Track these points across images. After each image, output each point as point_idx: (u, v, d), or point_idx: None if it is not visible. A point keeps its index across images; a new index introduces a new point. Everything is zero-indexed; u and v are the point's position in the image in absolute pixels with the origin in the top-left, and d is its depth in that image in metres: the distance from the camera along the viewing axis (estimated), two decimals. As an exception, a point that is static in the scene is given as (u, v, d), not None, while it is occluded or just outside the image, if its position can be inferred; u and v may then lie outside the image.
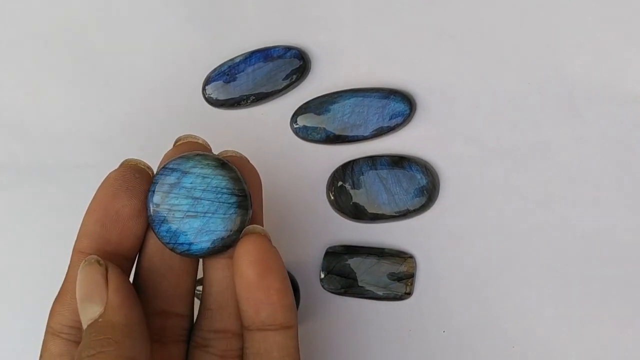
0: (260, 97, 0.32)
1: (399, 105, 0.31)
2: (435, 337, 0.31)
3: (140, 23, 0.33)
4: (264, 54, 0.32)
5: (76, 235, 0.26)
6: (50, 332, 0.25)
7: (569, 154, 0.31)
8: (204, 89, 0.32)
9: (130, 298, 0.25)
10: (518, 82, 0.31)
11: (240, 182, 0.26)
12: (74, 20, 0.34)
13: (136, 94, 0.33)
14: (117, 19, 0.33)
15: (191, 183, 0.26)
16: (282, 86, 0.32)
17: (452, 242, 0.31)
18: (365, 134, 0.31)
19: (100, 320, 0.24)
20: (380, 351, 0.32)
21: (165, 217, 0.26)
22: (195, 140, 0.27)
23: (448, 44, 0.32)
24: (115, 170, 0.26)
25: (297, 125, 0.32)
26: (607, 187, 0.31)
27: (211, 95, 0.32)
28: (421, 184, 0.31)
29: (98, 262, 0.25)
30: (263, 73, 0.32)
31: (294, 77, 0.32)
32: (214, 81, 0.32)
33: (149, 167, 0.26)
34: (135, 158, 0.26)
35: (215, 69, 0.32)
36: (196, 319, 0.27)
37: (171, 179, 0.26)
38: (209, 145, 0.27)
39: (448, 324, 0.31)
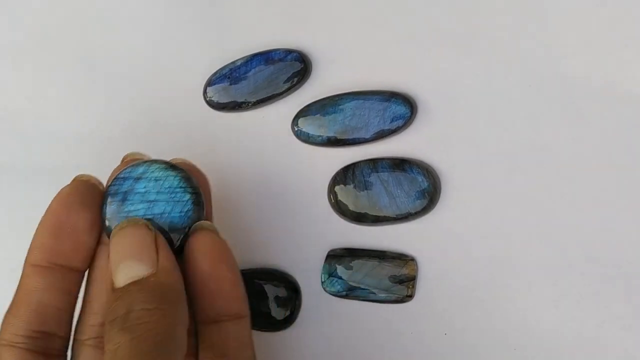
0: (262, 100, 0.32)
1: (400, 108, 0.31)
2: (436, 339, 0.31)
3: (142, 26, 0.33)
4: (265, 57, 0.32)
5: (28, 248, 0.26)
6: (3, 344, 0.25)
7: (569, 155, 0.31)
8: (205, 92, 0.32)
9: (178, 268, 0.25)
10: (518, 84, 0.31)
11: (191, 180, 0.27)
12: (75, 23, 0.34)
13: (137, 97, 0.33)
14: (119, 22, 0.34)
15: (144, 187, 0.27)
16: (283, 89, 0.32)
17: (453, 244, 0.31)
18: (367, 137, 0.31)
19: (152, 279, 0.24)
20: (382, 354, 0.32)
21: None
22: (141, 158, 0.28)
23: (449, 46, 0.32)
24: (68, 185, 0.26)
25: (298, 128, 0.32)
26: (608, 188, 0.31)
27: (212, 98, 0.32)
28: (422, 186, 0.31)
29: (147, 226, 0.25)
30: (264, 76, 0.32)
31: (295, 80, 0.32)
32: (215, 84, 0.32)
33: (100, 183, 0.27)
34: (87, 174, 0.27)
35: (216, 72, 0.32)
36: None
37: (124, 187, 0.27)
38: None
39: (449, 326, 0.31)
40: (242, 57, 0.32)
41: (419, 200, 0.31)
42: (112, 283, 0.25)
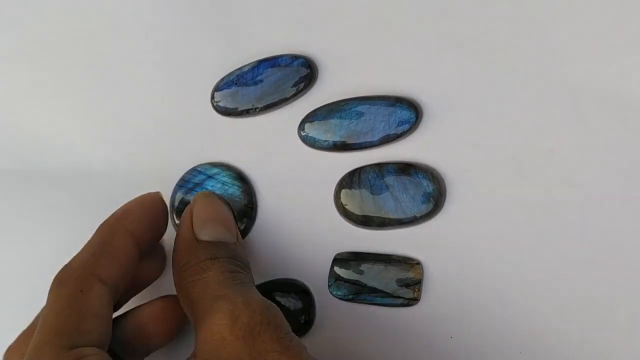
0: (268, 106, 0.32)
1: (405, 112, 0.31)
2: (442, 342, 0.31)
3: (151, 32, 0.34)
4: (272, 63, 0.32)
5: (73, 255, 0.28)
6: (96, 277, 0.27)
7: (574, 159, 0.31)
8: (212, 97, 0.33)
9: None
10: (523, 89, 0.31)
11: (251, 196, 0.31)
12: (84, 28, 0.34)
13: (146, 102, 0.34)
14: (127, 28, 0.34)
15: (212, 186, 0.31)
16: (290, 94, 0.32)
17: (458, 248, 0.31)
18: (372, 142, 0.31)
19: (233, 246, 0.28)
20: (388, 357, 0.32)
21: (183, 209, 0.29)
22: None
23: (454, 52, 0.32)
24: (131, 201, 0.29)
25: (305, 133, 0.32)
26: (611, 192, 0.31)
27: (220, 104, 0.33)
28: (427, 191, 0.31)
29: (229, 205, 0.29)
30: (271, 81, 0.32)
31: (302, 85, 0.32)
32: (222, 89, 0.33)
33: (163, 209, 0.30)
34: (155, 193, 0.30)
35: (223, 78, 0.33)
36: None
37: (196, 179, 0.31)
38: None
39: (455, 329, 0.31)
40: (250, 63, 0.33)
41: (424, 205, 0.31)
42: (196, 235, 0.27)
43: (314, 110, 0.32)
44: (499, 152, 0.31)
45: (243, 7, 0.33)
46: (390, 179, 0.31)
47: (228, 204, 0.29)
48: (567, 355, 0.30)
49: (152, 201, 0.29)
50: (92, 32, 0.34)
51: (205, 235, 0.27)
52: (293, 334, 0.26)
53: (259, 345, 0.24)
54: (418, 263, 0.31)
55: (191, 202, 0.29)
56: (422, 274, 0.31)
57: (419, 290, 0.31)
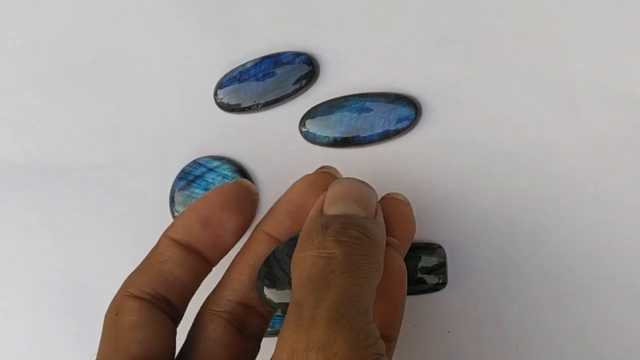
0: (270, 102, 0.33)
1: (405, 110, 0.32)
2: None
3: (154, 30, 0.34)
4: (274, 60, 0.33)
5: (172, 222, 0.27)
6: (128, 295, 0.26)
7: (573, 156, 0.31)
8: (215, 94, 0.33)
9: None
10: (522, 86, 0.32)
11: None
12: (89, 25, 0.34)
13: (150, 100, 0.34)
14: (130, 26, 0.34)
15: (212, 179, 0.31)
16: (291, 91, 0.33)
17: (456, 246, 0.32)
18: (372, 138, 0.32)
19: (366, 222, 0.24)
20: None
21: (183, 200, 0.32)
22: (333, 173, 0.29)
23: (453, 49, 0.32)
24: (230, 184, 0.28)
25: (305, 129, 0.32)
26: (609, 189, 0.31)
27: (223, 100, 0.33)
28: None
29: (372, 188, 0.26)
30: (273, 78, 0.33)
31: (303, 82, 0.32)
32: (225, 86, 0.33)
33: (256, 194, 0.28)
34: (248, 181, 0.28)
35: (226, 75, 0.33)
36: None
37: (197, 172, 0.32)
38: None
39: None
40: (252, 60, 0.33)
41: (423, 200, 0.31)
42: (324, 212, 0.25)
43: (315, 107, 0.32)
44: (498, 149, 0.32)
45: (246, 4, 0.33)
46: (389, 175, 0.32)
47: (371, 187, 0.26)
48: (563, 350, 0.31)
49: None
50: (96, 31, 0.34)
51: (333, 210, 0.25)
52: None
53: None
54: (440, 247, 0.31)
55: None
56: (445, 257, 0.31)
57: (445, 273, 0.31)
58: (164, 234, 0.27)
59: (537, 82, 0.32)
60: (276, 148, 0.33)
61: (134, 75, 0.34)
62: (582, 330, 0.31)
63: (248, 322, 0.27)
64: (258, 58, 0.33)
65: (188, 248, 0.27)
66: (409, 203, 0.28)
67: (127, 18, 0.34)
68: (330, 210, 0.25)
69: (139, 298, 0.26)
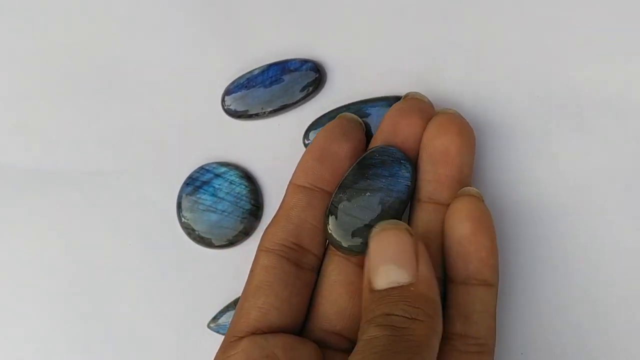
0: (277, 109, 0.33)
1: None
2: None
3: (162, 37, 0.34)
4: (281, 67, 0.33)
5: (293, 173, 0.29)
6: (262, 250, 0.28)
7: (577, 165, 0.31)
8: (223, 100, 0.33)
9: (435, 276, 0.26)
10: (526, 95, 0.32)
11: (257, 195, 0.32)
12: (97, 32, 0.35)
13: (157, 106, 0.34)
14: (138, 32, 0.34)
15: (219, 184, 0.32)
16: (299, 98, 0.33)
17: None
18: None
19: (412, 289, 0.24)
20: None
21: (190, 206, 0.32)
22: (421, 99, 0.30)
23: (459, 57, 0.32)
24: (333, 120, 0.30)
25: (309, 142, 0.33)
26: (613, 199, 0.31)
27: (230, 107, 0.33)
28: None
29: (409, 231, 0.26)
30: (280, 85, 0.33)
31: (310, 89, 0.33)
32: (233, 93, 0.33)
33: (360, 121, 0.30)
34: (350, 113, 0.30)
35: (234, 81, 0.33)
36: None
37: (204, 177, 0.32)
38: (431, 106, 0.30)
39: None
40: (259, 67, 0.33)
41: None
42: (371, 283, 0.25)
43: (318, 118, 0.33)
44: (501, 156, 0.32)
45: (253, 12, 0.34)
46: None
47: (410, 231, 0.25)
48: (569, 357, 0.31)
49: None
50: (104, 35, 0.34)
51: (380, 282, 0.25)
52: None
53: None
54: None
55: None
56: None
57: None
58: (289, 183, 0.29)
59: (541, 90, 0.32)
60: (283, 154, 0.33)
61: (142, 82, 0.34)
62: (589, 338, 0.31)
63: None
64: (265, 65, 0.33)
65: (312, 189, 0.28)
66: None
67: (134, 25, 0.34)
68: (378, 282, 0.25)
69: (271, 252, 0.27)
